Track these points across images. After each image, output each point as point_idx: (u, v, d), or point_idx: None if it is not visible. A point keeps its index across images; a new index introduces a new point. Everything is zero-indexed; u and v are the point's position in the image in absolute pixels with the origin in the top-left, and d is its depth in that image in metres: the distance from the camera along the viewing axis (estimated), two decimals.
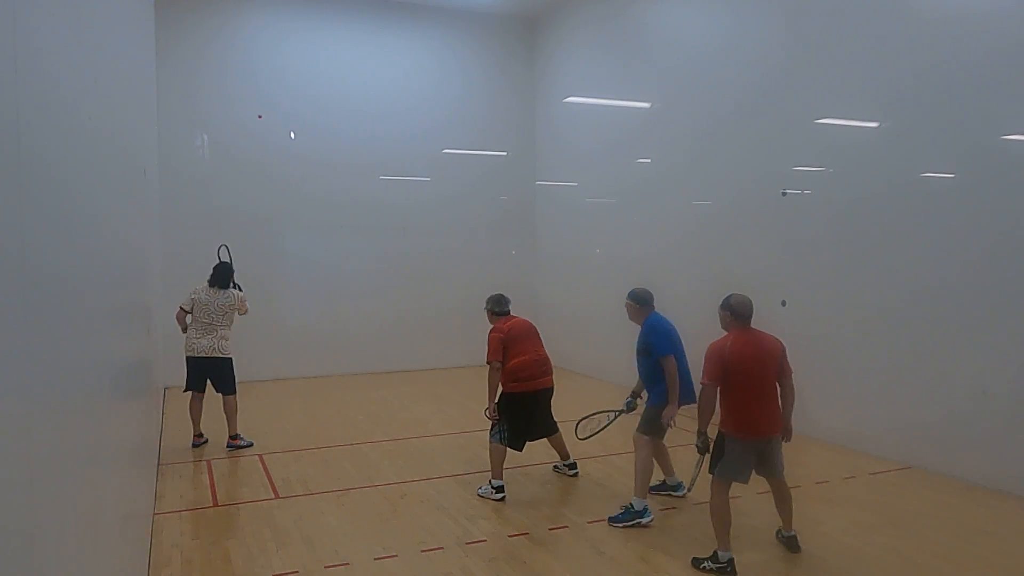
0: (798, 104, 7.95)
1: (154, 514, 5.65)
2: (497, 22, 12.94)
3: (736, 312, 4.83)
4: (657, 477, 5.93)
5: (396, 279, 12.34)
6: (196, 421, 7.59)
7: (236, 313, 7.57)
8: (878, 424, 7.07)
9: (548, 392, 6.27)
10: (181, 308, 7.49)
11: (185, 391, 7.53)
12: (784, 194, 8.12)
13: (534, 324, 6.45)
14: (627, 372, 5.44)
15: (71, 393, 2.02)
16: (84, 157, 2.46)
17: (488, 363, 6.05)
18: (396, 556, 4.88)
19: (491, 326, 6.28)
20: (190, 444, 7.56)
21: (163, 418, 8.85)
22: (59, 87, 1.98)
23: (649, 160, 10.45)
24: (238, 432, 7.57)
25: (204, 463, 7.04)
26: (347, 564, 4.77)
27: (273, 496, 6.10)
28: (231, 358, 7.51)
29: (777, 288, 8.20)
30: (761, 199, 8.41)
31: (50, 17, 1.87)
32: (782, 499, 4.99)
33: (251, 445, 7.56)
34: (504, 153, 13.10)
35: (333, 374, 11.81)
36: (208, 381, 7.47)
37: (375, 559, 4.84)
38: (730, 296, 4.91)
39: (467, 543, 5.09)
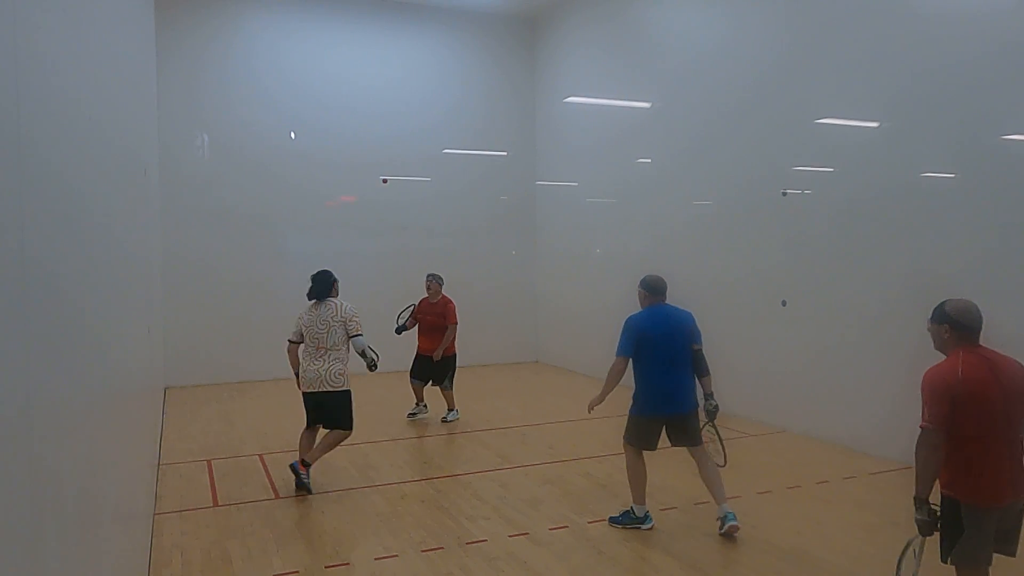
0: (798, 104, 7.94)
1: (154, 514, 5.65)
2: (497, 22, 12.94)
3: (961, 324, 3.41)
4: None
5: (396, 279, 12.33)
6: (302, 449, 6.27)
7: (346, 331, 6.12)
8: (878, 424, 7.06)
9: None
10: (289, 341, 6.29)
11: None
12: (784, 194, 8.11)
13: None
14: (628, 373, 5.41)
15: (71, 392, 2.02)
16: (85, 157, 2.46)
17: (455, 324, 8.40)
18: (396, 556, 4.88)
19: (441, 296, 8.47)
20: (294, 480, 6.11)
21: (163, 418, 8.84)
22: (60, 87, 1.98)
23: (649, 160, 10.45)
24: (310, 463, 6.12)
25: (204, 463, 7.04)
26: (347, 564, 4.77)
27: (273, 496, 6.10)
28: (347, 390, 6.10)
29: (777, 288, 8.21)
30: (761, 199, 8.41)
31: (50, 17, 1.87)
32: None
33: (307, 487, 6.05)
34: (504, 153, 13.10)
35: None
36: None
37: (375, 559, 4.84)
38: (944, 304, 3.52)
39: (467, 543, 5.09)
